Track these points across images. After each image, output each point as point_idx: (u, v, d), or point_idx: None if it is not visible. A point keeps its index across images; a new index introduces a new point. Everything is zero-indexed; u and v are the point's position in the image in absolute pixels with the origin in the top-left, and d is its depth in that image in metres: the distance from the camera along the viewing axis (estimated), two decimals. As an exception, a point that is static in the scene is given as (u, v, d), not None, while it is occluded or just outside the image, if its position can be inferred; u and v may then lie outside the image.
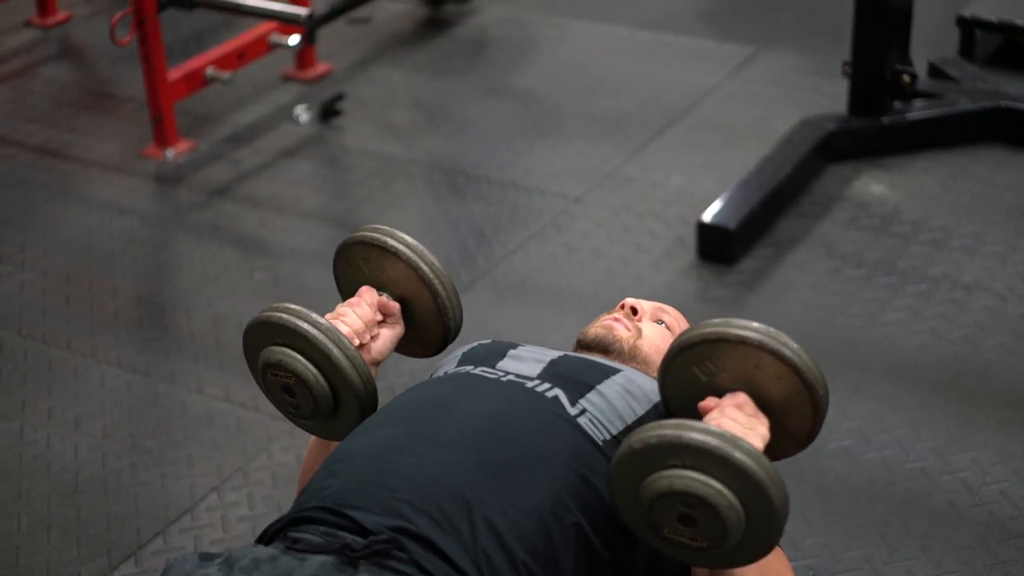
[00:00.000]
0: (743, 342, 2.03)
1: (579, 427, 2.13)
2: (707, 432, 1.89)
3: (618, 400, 2.18)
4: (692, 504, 1.90)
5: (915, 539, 2.94)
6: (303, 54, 5.18)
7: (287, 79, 5.20)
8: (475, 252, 4.04)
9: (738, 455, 1.86)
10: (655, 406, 2.20)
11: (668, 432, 1.90)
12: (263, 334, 2.24)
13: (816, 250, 3.97)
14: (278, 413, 3.36)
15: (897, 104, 4.48)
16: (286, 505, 3.08)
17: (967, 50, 5.00)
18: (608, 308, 2.54)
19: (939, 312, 3.66)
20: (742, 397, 2.05)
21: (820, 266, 3.90)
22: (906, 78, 4.41)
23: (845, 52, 4.45)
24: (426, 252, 2.34)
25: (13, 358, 3.68)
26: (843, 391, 3.38)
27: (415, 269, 2.33)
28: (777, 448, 2.10)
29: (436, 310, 2.36)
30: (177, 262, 4.13)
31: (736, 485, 1.88)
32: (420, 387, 2.27)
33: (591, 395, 2.19)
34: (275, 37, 4.93)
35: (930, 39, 5.04)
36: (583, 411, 2.16)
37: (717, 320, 2.07)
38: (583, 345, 2.41)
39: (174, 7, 4.70)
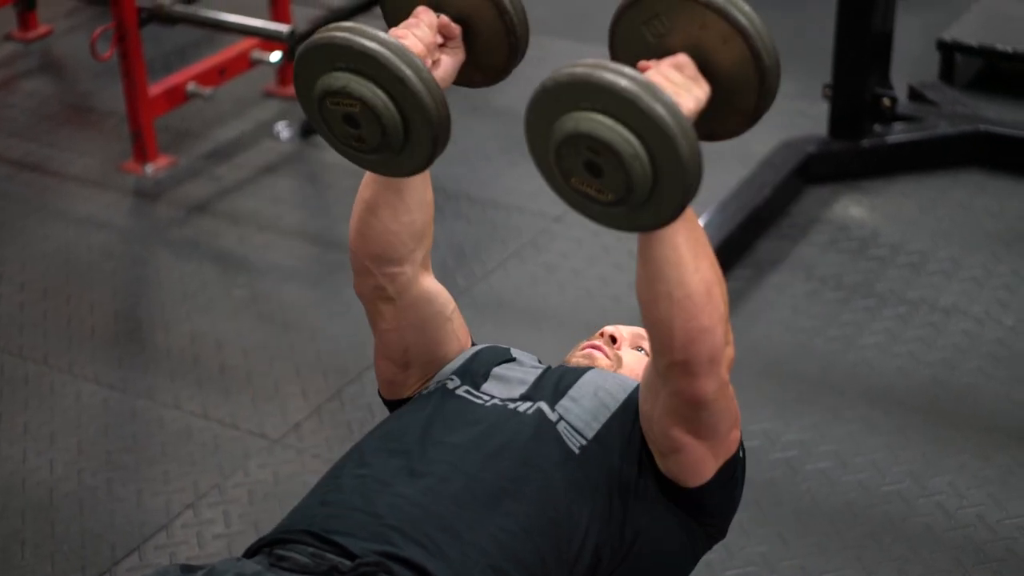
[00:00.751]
0: None
1: (558, 438, 2.13)
2: (620, 74, 1.75)
3: (591, 401, 2.18)
4: (597, 150, 1.78)
5: (892, 562, 2.94)
6: (284, 70, 5.17)
7: (268, 95, 5.19)
8: (455, 271, 4.04)
9: (648, 100, 1.73)
10: (631, 394, 2.20)
11: (579, 70, 1.77)
12: (321, 57, 1.97)
13: (795, 272, 3.98)
14: (256, 430, 3.38)
15: (877, 127, 4.49)
16: (262, 523, 3.07)
17: (947, 74, 5.02)
18: (587, 328, 2.54)
19: (917, 335, 3.67)
20: (683, 58, 1.91)
21: (799, 288, 3.91)
22: (886, 101, 4.42)
23: (826, 75, 4.47)
24: None
25: (-11, 372, 3.68)
26: (821, 413, 3.38)
27: None
28: (721, 123, 1.98)
29: (503, 29, 2.13)
30: (156, 278, 4.12)
31: (644, 133, 1.75)
32: (407, 411, 2.26)
33: (564, 401, 2.19)
34: (257, 53, 4.92)
35: (910, 63, 5.06)
36: (559, 419, 2.16)
37: None
38: (566, 373, 2.41)
39: (156, 22, 4.70)
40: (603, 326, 2.46)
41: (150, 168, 4.68)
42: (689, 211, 1.87)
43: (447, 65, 2.13)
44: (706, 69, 1.92)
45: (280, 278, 4.06)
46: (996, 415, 3.39)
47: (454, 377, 2.29)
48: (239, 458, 3.31)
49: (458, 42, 2.14)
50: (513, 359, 2.36)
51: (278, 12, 5.08)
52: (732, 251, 4.00)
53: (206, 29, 5.06)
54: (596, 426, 2.16)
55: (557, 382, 2.24)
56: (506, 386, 2.26)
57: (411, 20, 2.09)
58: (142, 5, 4.60)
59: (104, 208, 4.50)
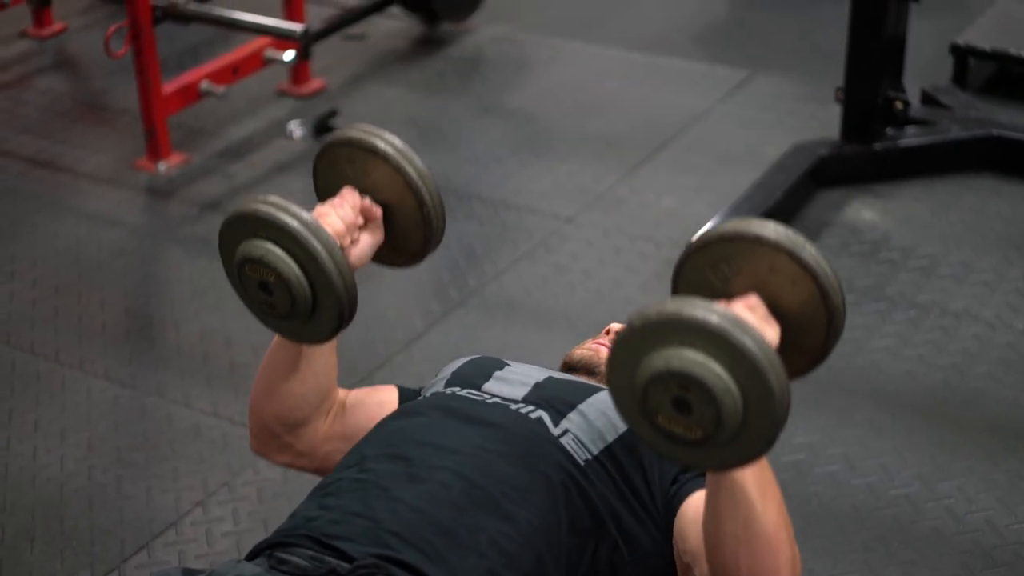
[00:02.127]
0: (759, 241, 1.94)
1: (562, 448, 2.14)
2: (710, 310, 1.79)
3: (599, 419, 2.19)
4: (687, 387, 1.79)
5: (899, 566, 2.94)
6: (298, 69, 5.19)
7: (281, 94, 5.20)
8: (465, 271, 4.04)
9: (739, 335, 1.76)
10: None
11: (669, 308, 1.81)
12: (244, 226, 2.13)
13: (806, 275, 3.97)
14: (265, 428, 3.37)
15: (889, 131, 4.49)
16: (271, 521, 3.08)
17: (960, 78, 5.01)
18: (597, 330, 2.54)
19: (927, 339, 3.67)
20: (754, 300, 1.96)
21: (809, 291, 3.90)
22: (899, 105, 4.42)
23: (839, 78, 4.46)
24: (415, 157, 2.24)
25: (1, 368, 3.68)
26: (830, 416, 3.38)
27: (403, 175, 2.23)
28: (787, 362, 1.96)
29: (420, 220, 2.26)
30: (167, 275, 4.12)
31: (735, 368, 1.78)
32: (407, 414, 2.27)
33: (572, 415, 2.19)
34: (270, 52, 4.93)
35: (924, 66, 5.05)
36: (565, 431, 2.16)
37: (734, 219, 1.97)
38: (569, 366, 2.42)
39: (170, 20, 4.71)
40: (611, 325, 2.47)
41: (163, 166, 4.69)
42: None
43: (365, 243, 2.25)
44: (774, 310, 1.96)
45: (291, 277, 4.06)
46: (1006, 419, 3.38)
47: (450, 388, 2.31)
48: (248, 456, 3.32)
49: (378, 224, 2.26)
50: (508, 364, 2.38)
51: (292, 11, 5.09)
52: (743, 253, 4.00)
53: (220, 27, 5.07)
54: (601, 445, 2.17)
55: (565, 394, 2.24)
56: (508, 386, 2.27)
57: (336, 199, 2.23)
58: (156, 3, 4.61)
59: (116, 205, 4.51)
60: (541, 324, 3.81)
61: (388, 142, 2.23)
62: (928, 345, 3.65)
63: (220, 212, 4.44)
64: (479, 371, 2.34)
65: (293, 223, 2.08)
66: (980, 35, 4.99)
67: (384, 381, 3.47)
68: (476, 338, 3.71)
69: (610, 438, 2.17)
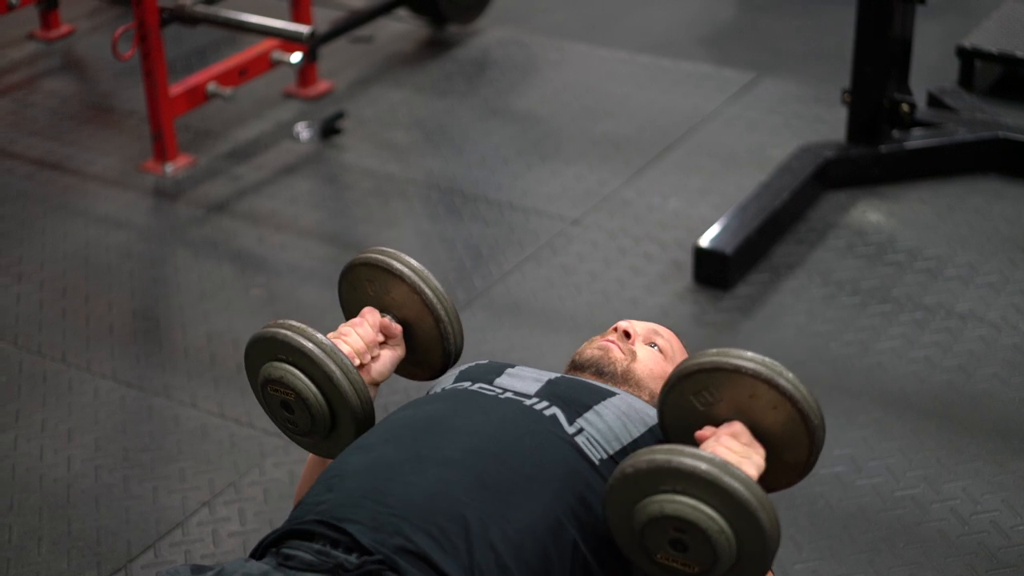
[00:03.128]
0: (737, 371, 2.05)
1: (576, 446, 2.14)
2: (698, 457, 1.91)
3: (615, 422, 2.19)
4: (683, 529, 1.92)
5: (904, 567, 2.94)
6: (305, 71, 5.19)
7: (288, 96, 5.21)
8: (471, 272, 4.05)
9: (728, 480, 1.89)
10: (651, 429, 2.21)
11: (659, 457, 1.93)
12: (266, 349, 2.26)
13: (812, 277, 3.98)
14: (271, 429, 3.39)
15: (896, 133, 4.49)
16: (277, 521, 3.09)
17: (967, 80, 5.01)
18: (602, 330, 2.54)
19: (933, 341, 3.67)
20: (738, 426, 2.07)
21: (815, 293, 3.91)
22: (905, 107, 4.42)
23: (845, 80, 4.46)
24: (431, 277, 2.35)
25: (8, 369, 3.69)
26: (835, 418, 3.38)
27: (419, 294, 2.34)
28: (774, 478, 2.12)
29: (438, 335, 2.37)
30: (174, 277, 4.13)
31: (726, 510, 1.90)
32: (417, 404, 2.27)
33: (589, 415, 2.20)
34: (277, 54, 4.95)
35: (930, 69, 5.05)
36: (580, 430, 2.16)
37: (714, 350, 2.09)
38: (577, 366, 2.41)
39: (177, 23, 4.72)
40: (618, 324, 2.48)
41: (170, 168, 4.70)
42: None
43: (386, 359, 2.37)
44: (756, 432, 2.08)
45: (298, 278, 4.08)
46: (1011, 421, 3.38)
47: (460, 383, 2.31)
48: (255, 456, 3.33)
49: (399, 340, 2.38)
50: (518, 365, 2.38)
51: (299, 13, 5.10)
52: (749, 255, 4.01)
53: (227, 30, 5.08)
54: (617, 446, 2.17)
55: (580, 395, 2.24)
56: (520, 381, 2.28)
57: (357, 319, 2.37)
58: (164, 5, 4.63)
59: (124, 207, 4.52)
60: (547, 325, 3.81)
61: (405, 263, 2.35)
62: (934, 347, 3.65)
63: (227, 214, 4.45)
64: (490, 368, 2.35)
65: (310, 346, 2.20)
66: (986, 37, 5.00)
67: (391, 382, 3.47)
68: (482, 339, 3.72)
69: (626, 440, 2.17)
